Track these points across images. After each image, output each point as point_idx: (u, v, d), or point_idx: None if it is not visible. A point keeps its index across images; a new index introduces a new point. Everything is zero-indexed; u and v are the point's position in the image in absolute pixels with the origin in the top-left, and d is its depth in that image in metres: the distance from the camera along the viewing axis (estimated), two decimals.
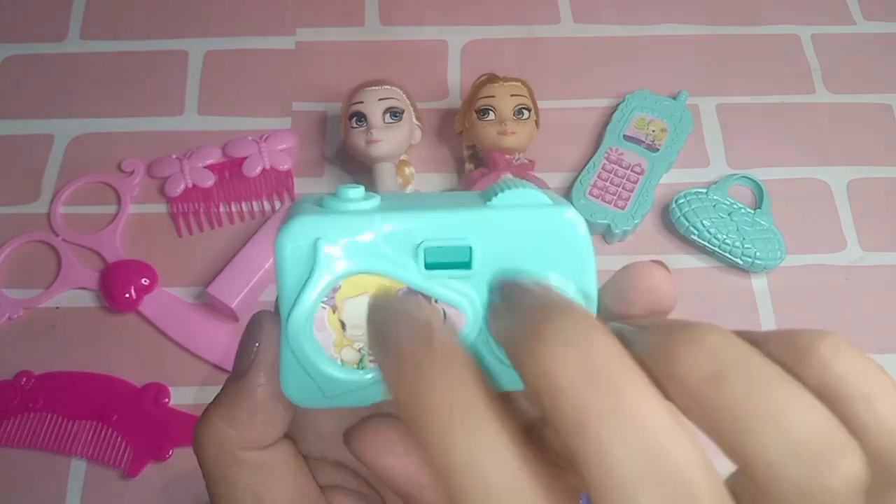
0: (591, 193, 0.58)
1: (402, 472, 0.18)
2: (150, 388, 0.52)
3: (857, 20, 0.69)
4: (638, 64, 0.66)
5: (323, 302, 0.18)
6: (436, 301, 0.19)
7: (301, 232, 0.18)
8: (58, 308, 0.56)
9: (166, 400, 0.52)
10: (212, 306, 0.55)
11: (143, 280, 0.55)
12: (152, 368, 0.53)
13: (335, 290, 0.18)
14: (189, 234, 0.58)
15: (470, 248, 0.19)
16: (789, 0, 0.70)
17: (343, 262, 0.18)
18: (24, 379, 0.52)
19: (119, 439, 0.50)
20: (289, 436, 0.21)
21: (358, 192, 0.19)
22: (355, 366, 0.19)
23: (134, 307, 0.55)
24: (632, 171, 0.59)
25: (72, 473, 0.50)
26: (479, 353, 0.19)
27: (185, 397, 0.52)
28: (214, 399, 0.20)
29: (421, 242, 0.18)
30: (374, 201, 0.19)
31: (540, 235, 0.19)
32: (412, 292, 0.18)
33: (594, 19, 0.69)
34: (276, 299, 0.19)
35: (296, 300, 0.18)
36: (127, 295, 0.54)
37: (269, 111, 0.63)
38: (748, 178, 0.60)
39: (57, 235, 0.58)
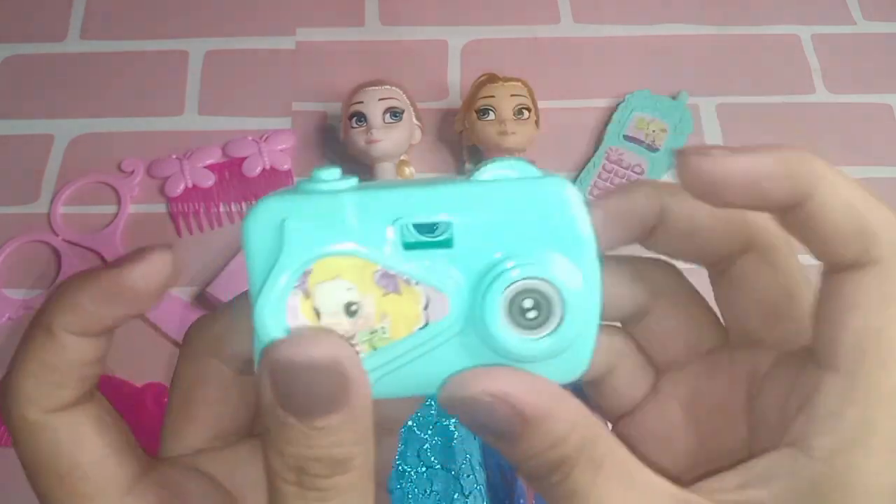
0: (591, 194, 0.58)
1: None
2: (150, 388, 0.52)
3: (857, 20, 0.69)
4: (638, 64, 0.66)
5: (294, 287, 0.17)
6: (416, 283, 0.17)
7: (267, 213, 0.17)
8: None
9: (166, 400, 0.52)
10: (212, 306, 0.55)
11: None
12: (152, 368, 0.53)
13: (307, 273, 0.17)
14: (189, 234, 0.58)
15: (450, 223, 0.17)
16: (789, 0, 0.70)
17: (313, 243, 0.17)
18: None
19: None
20: (95, 396, 0.19)
21: (332, 173, 0.18)
22: None
23: None
24: (632, 171, 0.59)
25: None
26: (470, 341, 0.17)
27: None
28: (18, 351, 0.18)
29: (397, 219, 0.17)
30: (350, 182, 0.18)
31: (530, 209, 0.17)
32: (388, 274, 0.17)
33: (594, 19, 0.69)
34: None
35: (262, 285, 0.17)
36: None
37: (269, 111, 0.63)
38: None
39: (57, 235, 0.58)
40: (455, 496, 0.45)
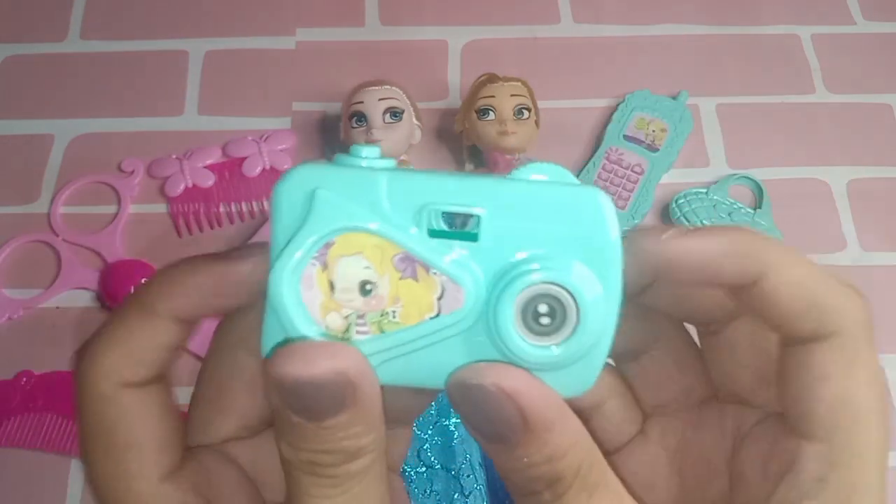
0: None
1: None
2: None
3: (857, 20, 0.69)
4: (638, 64, 0.66)
5: (314, 257, 0.17)
6: (434, 272, 0.17)
7: (300, 179, 0.17)
8: (58, 308, 0.56)
9: None
10: None
11: (142, 280, 0.55)
12: None
13: (328, 245, 0.17)
14: (189, 234, 0.58)
15: (479, 217, 0.17)
16: (789, 0, 0.70)
17: (340, 215, 0.17)
18: (24, 379, 0.52)
19: None
20: (165, 380, 0.20)
21: (373, 150, 0.18)
22: (340, 335, 0.17)
23: None
24: (632, 171, 0.59)
25: (72, 473, 0.50)
26: (478, 339, 0.17)
27: (185, 397, 0.52)
28: (111, 323, 0.18)
29: (426, 205, 0.17)
30: (389, 163, 0.18)
31: (561, 216, 0.17)
32: (409, 259, 0.17)
33: (594, 19, 0.69)
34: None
35: (283, 248, 0.17)
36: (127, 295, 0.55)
37: (269, 111, 0.63)
38: (748, 178, 0.60)
39: (57, 235, 0.58)
40: (455, 496, 0.45)
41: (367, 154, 0.17)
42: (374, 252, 0.17)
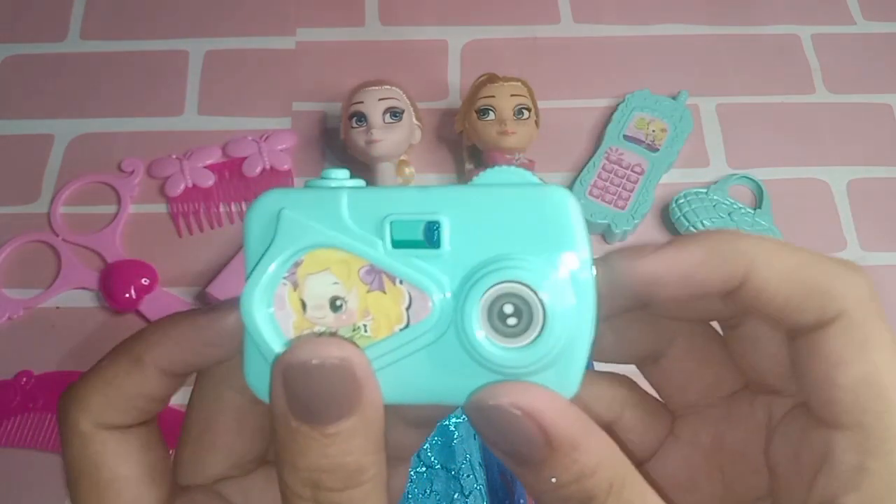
0: (591, 193, 0.58)
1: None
2: None
3: (857, 20, 0.69)
4: (638, 64, 0.66)
5: (284, 277, 0.17)
6: (400, 282, 0.17)
7: (267, 203, 0.17)
8: (58, 308, 0.56)
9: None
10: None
11: (143, 280, 0.55)
12: None
13: (297, 264, 0.17)
14: (189, 234, 0.58)
15: (440, 224, 0.17)
16: (789, 0, 0.70)
17: (305, 234, 0.17)
18: (24, 379, 0.52)
19: None
20: (150, 424, 0.20)
21: (341, 173, 0.18)
22: None
23: (134, 307, 0.55)
24: (632, 171, 0.59)
25: None
26: (451, 347, 0.17)
27: (185, 397, 0.52)
28: (96, 368, 0.19)
29: (386, 216, 0.17)
30: (356, 182, 0.18)
31: (525, 216, 0.17)
32: (375, 271, 0.17)
33: (594, 19, 0.69)
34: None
35: (252, 269, 0.17)
36: (127, 295, 0.54)
37: (269, 111, 0.63)
38: (748, 178, 0.60)
39: (57, 235, 0.58)
40: (455, 496, 0.45)
41: (336, 176, 0.18)
42: (340, 267, 0.17)
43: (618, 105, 0.63)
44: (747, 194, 0.60)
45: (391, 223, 0.17)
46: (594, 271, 0.17)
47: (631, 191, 0.58)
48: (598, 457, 0.16)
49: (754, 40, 0.68)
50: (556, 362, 0.16)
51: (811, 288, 0.17)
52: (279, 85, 0.65)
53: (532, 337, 0.16)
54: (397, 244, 0.17)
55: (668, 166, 0.60)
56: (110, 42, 0.67)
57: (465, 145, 0.60)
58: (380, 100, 0.56)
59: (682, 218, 0.57)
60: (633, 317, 0.20)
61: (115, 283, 0.55)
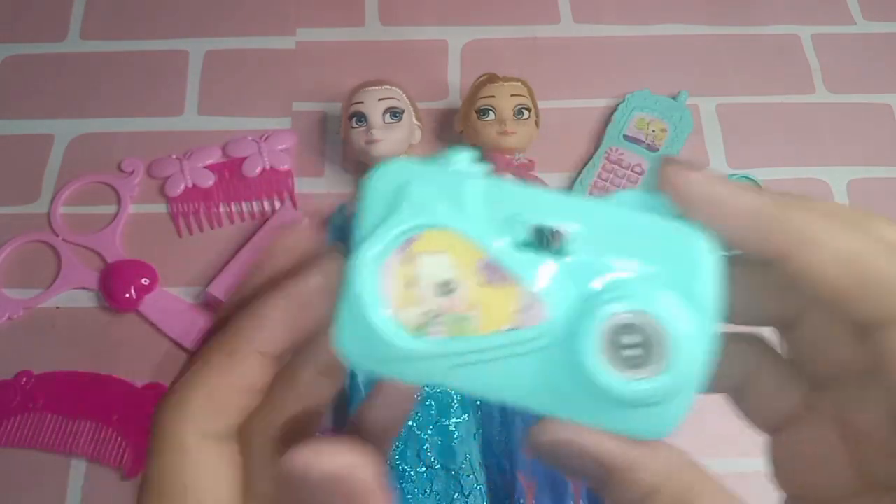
0: (591, 193, 0.58)
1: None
2: (150, 388, 0.52)
3: (857, 20, 0.69)
4: (638, 64, 0.66)
5: (397, 249, 0.16)
6: (517, 283, 0.16)
7: (393, 172, 0.17)
8: (58, 308, 0.56)
9: None
10: (212, 306, 0.55)
11: (143, 280, 0.55)
12: (152, 368, 0.53)
13: (412, 240, 0.16)
14: (189, 234, 0.58)
15: (571, 234, 0.16)
16: (789, 0, 0.70)
17: (429, 211, 0.16)
18: (24, 379, 0.52)
19: (119, 439, 0.50)
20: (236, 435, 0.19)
21: (467, 156, 0.17)
22: (412, 331, 0.17)
23: (134, 307, 0.55)
24: (632, 171, 0.59)
25: (72, 473, 0.50)
26: (556, 361, 0.16)
27: None
28: (192, 373, 0.18)
29: (517, 215, 0.16)
30: (482, 168, 0.17)
31: (660, 247, 0.16)
32: (493, 266, 0.16)
33: (594, 19, 0.69)
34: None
35: (368, 236, 0.16)
36: (127, 295, 0.54)
37: (269, 111, 0.63)
38: (748, 178, 0.60)
39: (57, 235, 0.58)
40: (455, 496, 0.45)
41: (462, 157, 0.17)
42: (458, 253, 0.16)
43: (618, 105, 0.63)
44: None
45: (521, 222, 0.16)
46: (719, 326, 0.16)
47: None
48: (660, 474, 0.16)
49: (754, 40, 0.68)
50: (672, 398, 0.16)
51: (870, 280, 0.15)
52: (279, 85, 0.65)
53: (652, 371, 0.16)
54: (522, 245, 0.16)
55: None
56: (110, 42, 0.67)
57: (465, 145, 0.60)
58: (380, 100, 0.56)
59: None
60: (770, 276, 0.19)
61: (115, 283, 0.55)
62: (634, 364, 0.16)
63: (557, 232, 0.16)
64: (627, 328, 0.16)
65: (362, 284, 0.16)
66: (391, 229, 0.16)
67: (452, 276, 0.16)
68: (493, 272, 0.16)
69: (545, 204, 0.17)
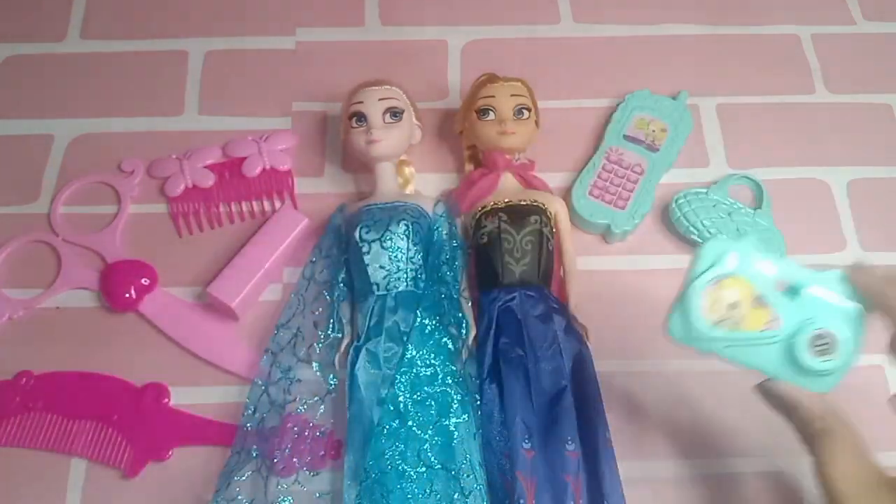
0: (591, 193, 0.58)
1: None
2: (150, 388, 0.52)
3: (857, 20, 0.69)
4: (638, 64, 0.66)
5: (711, 284, 0.37)
6: (771, 309, 0.37)
7: (724, 243, 0.38)
8: (58, 308, 0.56)
9: (166, 400, 0.52)
10: (212, 306, 0.55)
11: (143, 280, 0.55)
12: (152, 368, 0.53)
13: (723, 276, 0.37)
14: (189, 234, 0.58)
15: (806, 292, 0.37)
16: (789, 0, 0.70)
17: (740, 266, 0.37)
18: (24, 379, 0.52)
19: (119, 439, 0.50)
20: None
21: (758, 253, 0.38)
22: (711, 324, 0.37)
23: (134, 307, 0.55)
24: (632, 171, 0.59)
25: (72, 473, 0.50)
26: (780, 348, 0.37)
27: (185, 397, 0.52)
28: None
29: (798, 285, 0.37)
30: (766, 253, 0.38)
31: (840, 306, 0.37)
32: (759, 299, 0.37)
33: (594, 19, 0.69)
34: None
35: (701, 275, 0.37)
36: (127, 295, 0.55)
37: (269, 111, 0.63)
38: (748, 178, 0.60)
39: (57, 235, 0.58)
40: (455, 496, 0.45)
41: (761, 246, 0.37)
42: (744, 289, 0.37)
43: (618, 105, 0.63)
44: (747, 194, 0.60)
45: (795, 287, 0.37)
46: (862, 341, 0.37)
47: (631, 191, 0.58)
48: (816, 411, 0.37)
49: (754, 40, 0.68)
50: (833, 374, 0.37)
51: None
52: (279, 85, 0.65)
53: (830, 358, 0.37)
54: (785, 293, 0.37)
55: (668, 166, 0.60)
56: (110, 42, 0.67)
57: (464, 145, 0.60)
58: (380, 100, 0.56)
59: (681, 218, 0.57)
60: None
61: (115, 283, 0.55)
62: (821, 353, 0.37)
63: (795, 287, 0.37)
64: (820, 336, 0.37)
65: (694, 299, 0.37)
66: (716, 270, 0.37)
67: (738, 299, 0.37)
68: (759, 301, 0.37)
69: (803, 276, 0.37)
